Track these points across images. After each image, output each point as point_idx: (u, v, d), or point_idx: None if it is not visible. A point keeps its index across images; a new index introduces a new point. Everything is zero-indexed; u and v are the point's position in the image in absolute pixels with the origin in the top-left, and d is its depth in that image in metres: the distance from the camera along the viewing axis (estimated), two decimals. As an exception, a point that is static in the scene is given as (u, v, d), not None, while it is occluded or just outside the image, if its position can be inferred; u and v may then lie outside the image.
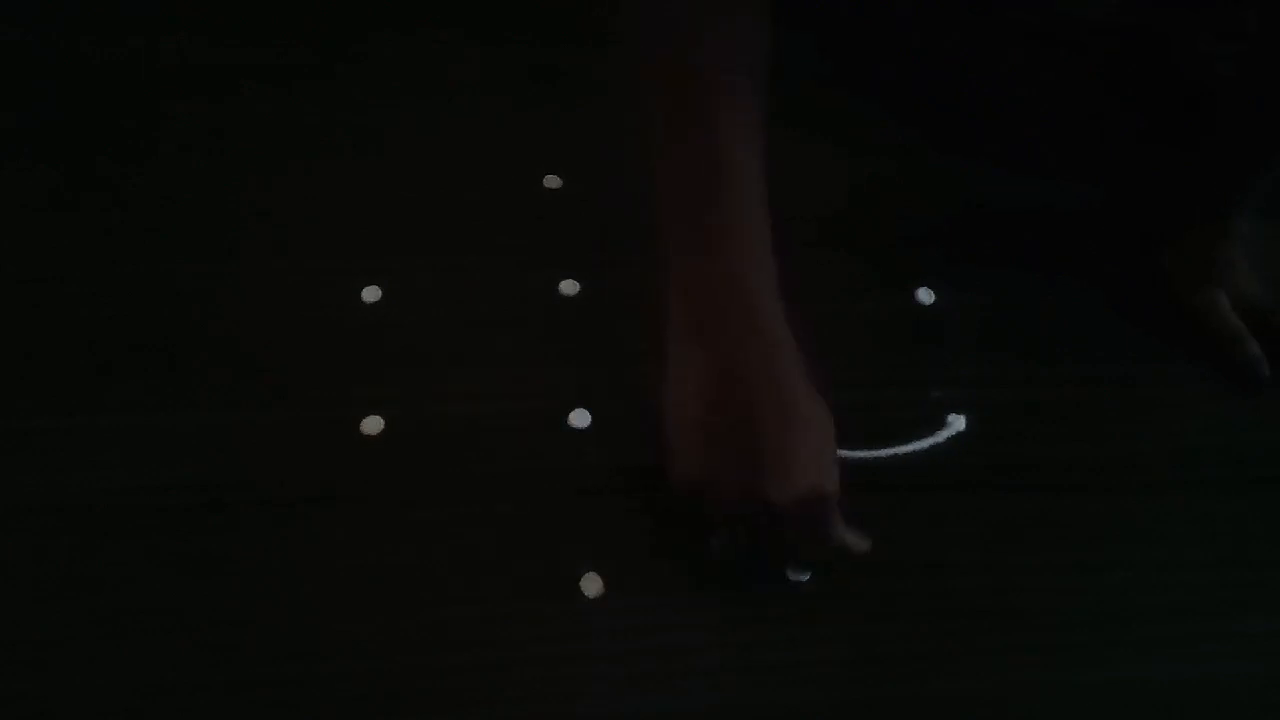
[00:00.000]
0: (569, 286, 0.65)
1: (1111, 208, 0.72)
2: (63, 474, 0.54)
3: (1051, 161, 0.75)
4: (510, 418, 0.58)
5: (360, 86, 0.76)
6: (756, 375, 0.48)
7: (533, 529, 0.54)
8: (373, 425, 0.57)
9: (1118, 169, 0.74)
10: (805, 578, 0.53)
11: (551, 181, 0.71)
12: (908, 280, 0.67)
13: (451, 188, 0.69)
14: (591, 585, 0.52)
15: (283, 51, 0.78)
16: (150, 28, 0.78)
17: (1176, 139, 0.74)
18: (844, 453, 0.58)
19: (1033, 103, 0.79)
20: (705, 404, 0.48)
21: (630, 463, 0.57)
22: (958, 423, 0.60)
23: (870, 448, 0.58)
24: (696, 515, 0.51)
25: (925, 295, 0.66)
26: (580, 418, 0.58)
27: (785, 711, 0.49)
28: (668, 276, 0.50)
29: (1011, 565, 0.55)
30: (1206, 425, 0.62)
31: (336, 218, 0.67)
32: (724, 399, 0.48)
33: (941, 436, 0.60)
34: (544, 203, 0.70)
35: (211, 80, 0.75)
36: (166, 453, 0.55)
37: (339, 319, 0.62)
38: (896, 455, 0.58)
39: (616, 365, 0.61)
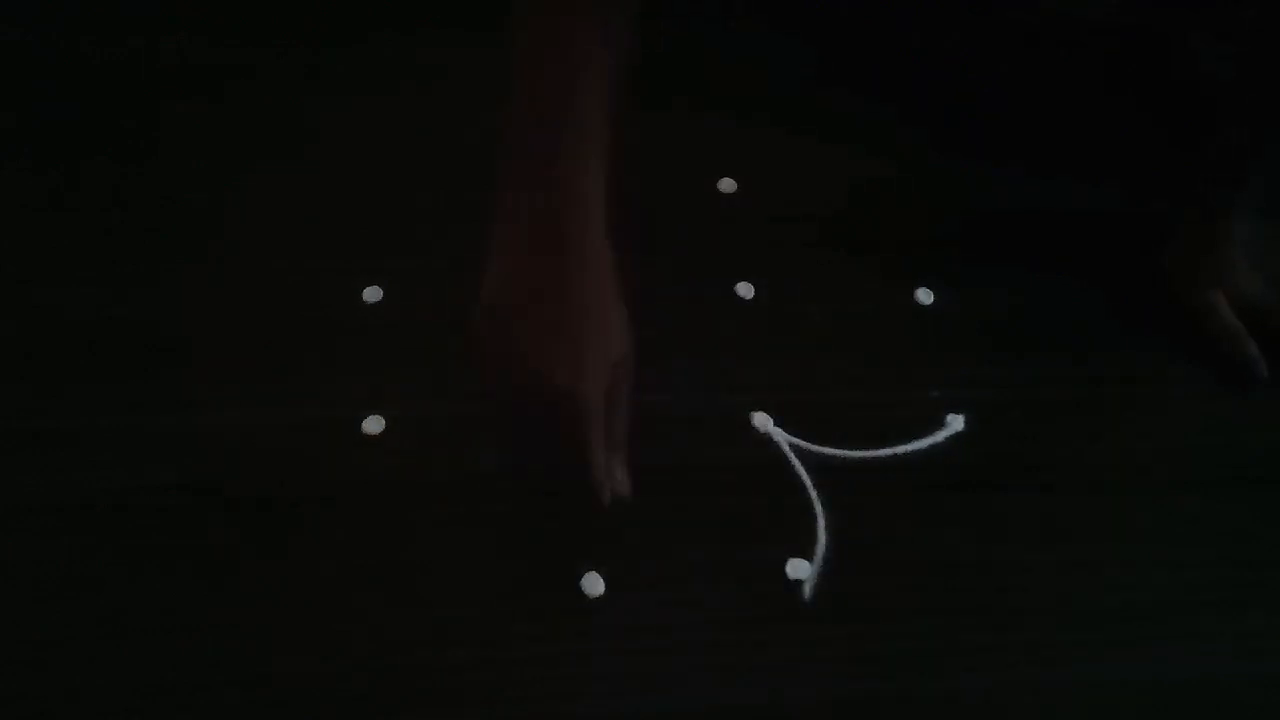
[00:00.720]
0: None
1: (1111, 208, 0.72)
2: (63, 474, 0.54)
3: (1051, 161, 0.75)
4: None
5: (360, 86, 0.76)
6: (569, 274, 0.48)
7: (533, 529, 0.54)
8: (373, 425, 0.57)
9: (1117, 169, 0.74)
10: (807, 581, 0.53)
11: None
12: (908, 280, 0.67)
13: (452, 188, 0.69)
14: (591, 585, 0.52)
15: (283, 51, 0.78)
16: (150, 28, 0.78)
17: (1176, 139, 0.74)
18: (844, 453, 0.58)
19: (1033, 103, 0.79)
20: (518, 289, 0.49)
21: (630, 463, 0.57)
22: (957, 423, 0.60)
23: (870, 448, 0.58)
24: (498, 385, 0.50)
25: (925, 295, 0.66)
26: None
27: (785, 711, 0.49)
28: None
29: (1011, 565, 0.55)
30: (1206, 425, 0.62)
31: (336, 218, 0.67)
32: (534, 287, 0.48)
33: (941, 436, 0.60)
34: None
35: (211, 80, 0.75)
36: (166, 453, 0.55)
37: (339, 319, 0.62)
38: (896, 455, 0.58)
39: (616, 365, 0.61)
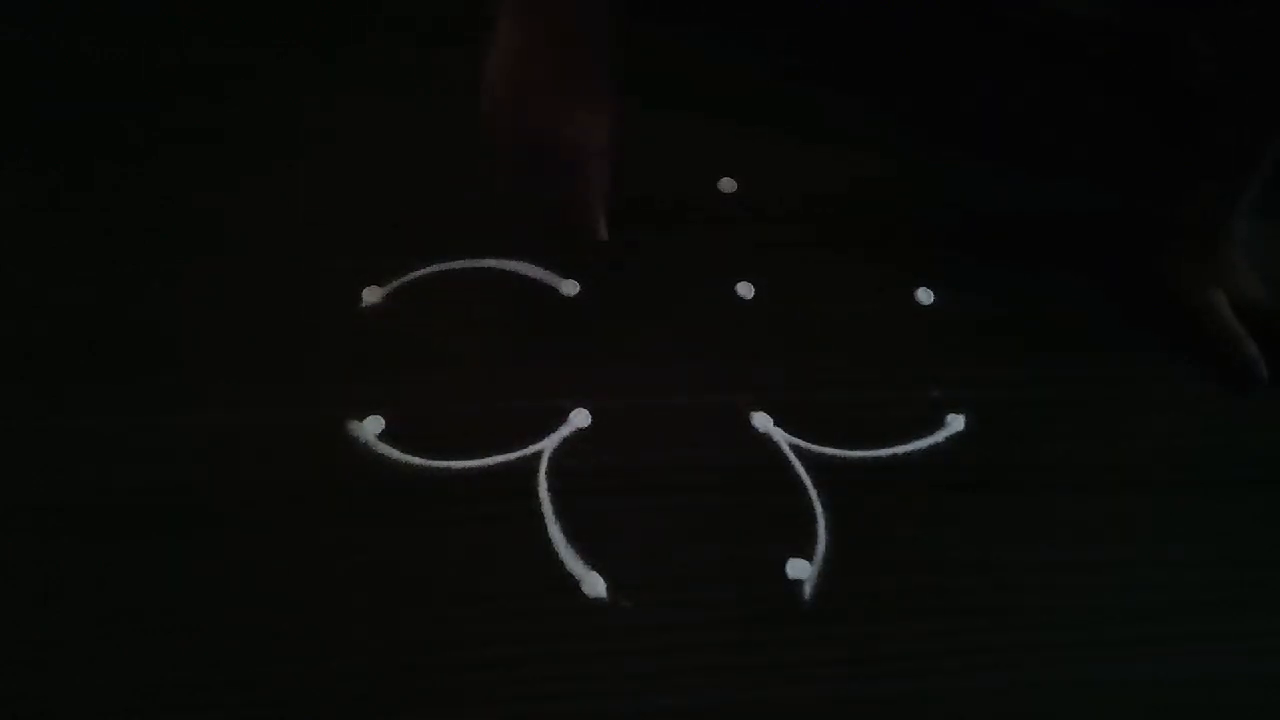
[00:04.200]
0: (569, 287, 0.65)
1: (1111, 208, 0.72)
2: (63, 474, 0.54)
3: (1051, 162, 0.75)
4: (510, 418, 0.58)
5: (360, 86, 0.76)
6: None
7: (533, 528, 0.54)
8: (373, 425, 0.57)
9: (1117, 169, 0.74)
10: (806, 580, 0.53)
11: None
12: (908, 280, 0.67)
13: (452, 188, 0.69)
14: (591, 585, 0.52)
15: (283, 51, 0.78)
16: (150, 28, 0.78)
17: (1176, 139, 0.74)
18: (844, 453, 0.58)
19: (1032, 103, 0.79)
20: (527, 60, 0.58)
21: (630, 463, 0.57)
22: (957, 422, 0.60)
23: (870, 448, 0.58)
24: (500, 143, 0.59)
25: (925, 295, 0.66)
26: (581, 418, 0.58)
27: (785, 711, 0.49)
28: None
29: (1011, 565, 0.55)
30: (1206, 425, 0.62)
31: (336, 218, 0.67)
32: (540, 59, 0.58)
33: (941, 436, 0.60)
34: (544, 203, 0.69)
35: (211, 80, 0.75)
36: (167, 453, 0.55)
37: (339, 319, 0.62)
38: (896, 455, 0.58)
39: (616, 365, 0.61)
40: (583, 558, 0.53)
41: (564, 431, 0.58)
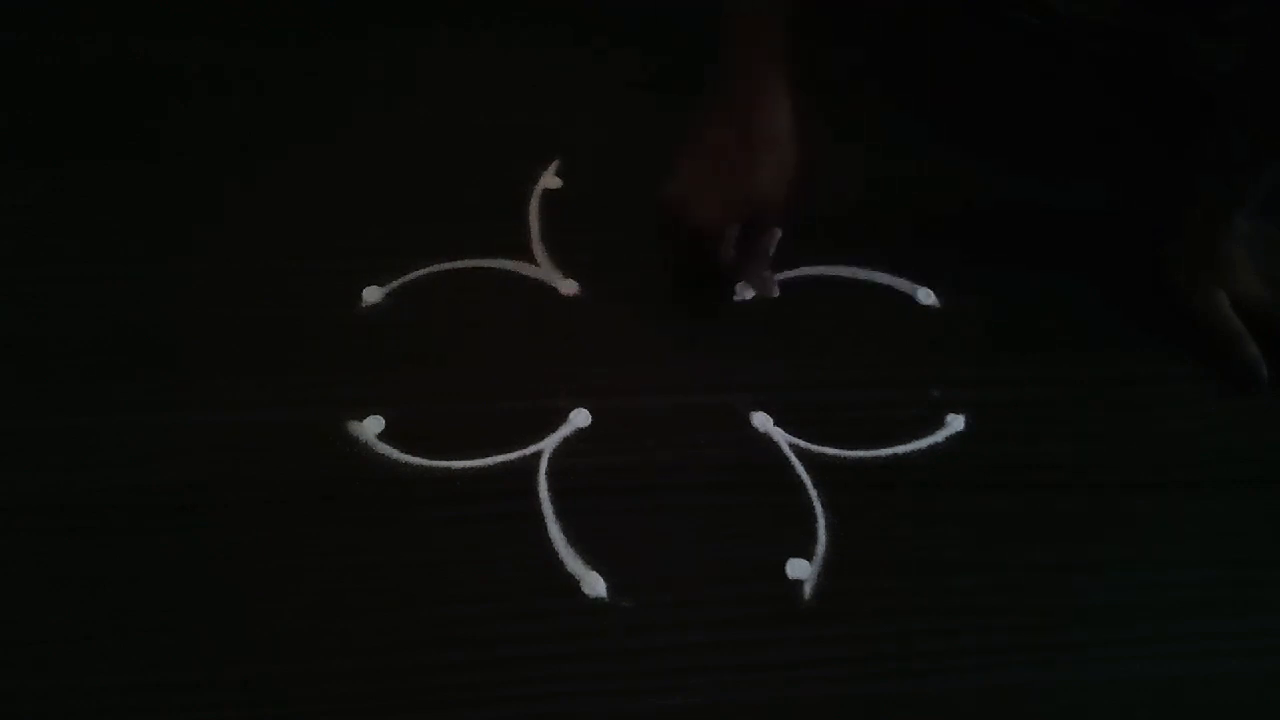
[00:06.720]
0: (569, 287, 0.65)
1: (1112, 208, 0.72)
2: (63, 474, 0.54)
3: (1052, 161, 0.75)
4: (510, 418, 0.58)
5: (360, 86, 0.76)
6: (754, 123, 0.61)
7: (533, 529, 0.54)
8: (373, 425, 0.57)
9: (1118, 169, 0.74)
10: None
11: (551, 181, 0.71)
12: (908, 280, 0.67)
13: (452, 187, 0.69)
14: (591, 585, 0.52)
15: (282, 51, 0.78)
16: (150, 28, 0.78)
17: (1177, 138, 0.74)
18: (844, 453, 0.58)
19: (1034, 103, 0.79)
20: (708, 147, 0.61)
21: (631, 462, 0.57)
22: (957, 423, 0.60)
23: (870, 448, 0.58)
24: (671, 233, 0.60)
25: (925, 295, 0.66)
26: (581, 418, 0.58)
27: (785, 711, 0.49)
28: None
29: (1011, 565, 0.55)
30: (1206, 425, 0.62)
31: (337, 218, 0.67)
32: (723, 143, 0.61)
33: (941, 436, 0.60)
34: (544, 203, 0.70)
35: (211, 80, 0.75)
36: (166, 453, 0.55)
37: (339, 319, 0.62)
38: (896, 455, 0.58)
39: (616, 365, 0.61)
40: (583, 558, 0.53)
41: (564, 431, 0.58)
